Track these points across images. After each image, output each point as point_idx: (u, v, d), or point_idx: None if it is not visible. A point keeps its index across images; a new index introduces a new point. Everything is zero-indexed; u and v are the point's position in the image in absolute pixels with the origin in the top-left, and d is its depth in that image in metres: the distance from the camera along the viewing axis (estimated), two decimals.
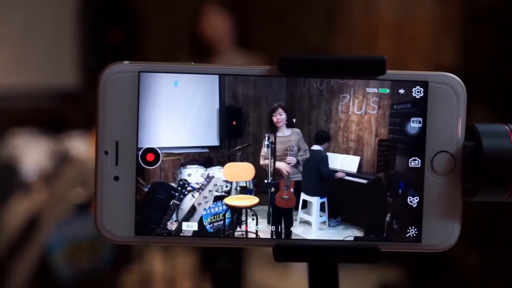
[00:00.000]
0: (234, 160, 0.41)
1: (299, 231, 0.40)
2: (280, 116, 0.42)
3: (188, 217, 0.40)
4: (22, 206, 2.40)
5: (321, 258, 0.40)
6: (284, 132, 0.42)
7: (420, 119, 0.40)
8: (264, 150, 0.41)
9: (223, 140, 0.41)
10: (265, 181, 0.41)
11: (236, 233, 0.40)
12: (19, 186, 2.49)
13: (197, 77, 0.39)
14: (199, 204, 0.40)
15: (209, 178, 0.41)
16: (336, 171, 0.41)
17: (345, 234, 0.40)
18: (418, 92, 0.40)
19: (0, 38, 3.80)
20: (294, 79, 0.39)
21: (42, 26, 3.73)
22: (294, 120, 0.40)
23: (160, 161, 0.40)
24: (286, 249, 0.40)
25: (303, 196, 0.41)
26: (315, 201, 0.41)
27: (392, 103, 0.39)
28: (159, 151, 0.40)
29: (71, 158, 2.49)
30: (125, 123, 0.40)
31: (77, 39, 3.92)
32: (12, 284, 2.25)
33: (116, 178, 0.41)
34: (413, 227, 0.41)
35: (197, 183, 0.41)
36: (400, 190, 0.40)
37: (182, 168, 0.41)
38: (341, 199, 0.41)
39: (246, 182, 0.41)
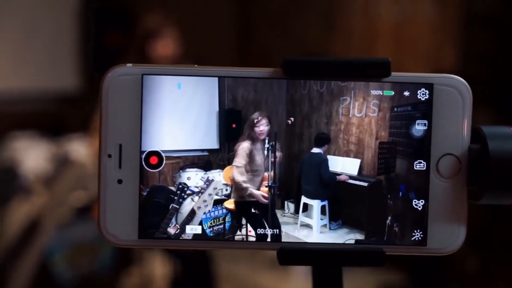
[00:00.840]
0: None
1: (300, 235, 0.40)
2: (264, 128, 0.41)
3: (188, 221, 0.39)
4: (22, 210, 2.40)
5: (326, 262, 0.40)
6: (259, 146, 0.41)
7: (425, 121, 0.40)
8: (241, 162, 0.40)
9: (222, 143, 0.41)
10: (266, 184, 0.41)
11: (236, 237, 0.39)
12: (19, 189, 2.49)
13: (200, 79, 0.39)
14: (199, 207, 0.40)
15: (208, 182, 0.40)
16: (337, 174, 0.41)
17: (346, 237, 0.40)
18: (423, 94, 0.39)
19: (0, 42, 3.81)
20: (294, 82, 0.39)
21: (41, 30, 3.73)
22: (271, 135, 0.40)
23: (163, 164, 0.40)
24: (291, 253, 0.40)
25: (304, 199, 0.41)
26: (315, 204, 0.41)
27: (392, 105, 0.38)
28: (162, 154, 0.40)
29: (71, 161, 2.49)
30: (128, 126, 0.40)
31: (77, 43, 3.92)
32: (13, 287, 2.25)
33: (120, 181, 0.41)
34: (418, 231, 0.40)
35: (197, 187, 0.40)
36: (400, 193, 0.39)
37: (181, 171, 0.41)
38: (341, 202, 0.41)
39: None
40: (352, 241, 0.39)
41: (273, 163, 0.41)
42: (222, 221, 0.40)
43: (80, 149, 2.53)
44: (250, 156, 0.41)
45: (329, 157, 0.40)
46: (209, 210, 0.40)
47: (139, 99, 0.39)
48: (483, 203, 0.40)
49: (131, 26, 4.40)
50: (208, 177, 0.40)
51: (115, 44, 4.22)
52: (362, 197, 0.40)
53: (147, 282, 2.27)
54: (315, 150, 0.41)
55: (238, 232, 0.39)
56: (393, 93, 0.40)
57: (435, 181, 0.40)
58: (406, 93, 0.40)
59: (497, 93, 3.01)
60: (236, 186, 0.40)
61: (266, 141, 0.41)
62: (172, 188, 0.40)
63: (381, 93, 0.40)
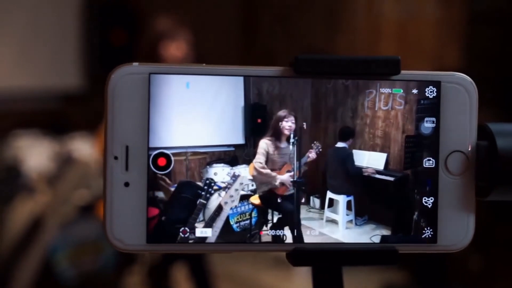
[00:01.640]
0: None
1: (325, 230, 0.40)
2: (292, 125, 0.41)
3: (215, 216, 0.39)
4: (26, 208, 2.40)
5: (339, 261, 0.40)
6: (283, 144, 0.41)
7: (434, 119, 0.40)
8: (261, 159, 0.40)
9: (248, 138, 0.40)
10: (291, 179, 0.41)
11: (263, 232, 0.39)
12: (22, 188, 2.50)
13: (218, 78, 0.38)
14: (226, 203, 0.40)
15: (235, 177, 0.40)
16: (363, 168, 0.41)
17: (372, 233, 0.40)
18: (431, 92, 0.39)
19: (4, 40, 3.81)
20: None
21: (45, 28, 3.73)
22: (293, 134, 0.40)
23: (172, 165, 0.39)
24: (303, 253, 0.39)
25: (329, 195, 0.40)
26: (341, 199, 0.40)
27: (418, 98, 0.38)
28: (171, 156, 0.39)
29: (74, 159, 2.50)
30: (135, 127, 0.39)
31: (81, 41, 3.93)
32: (16, 286, 2.26)
33: (127, 184, 0.40)
34: (428, 228, 0.40)
35: (223, 182, 0.40)
36: (427, 187, 0.39)
37: (208, 167, 0.40)
38: (368, 197, 0.41)
39: None
40: (378, 237, 0.39)
41: (298, 158, 0.40)
42: (249, 216, 0.39)
43: (83, 147, 2.54)
44: (269, 153, 0.41)
45: (354, 151, 0.40)
46: (236, 206, 0.40)
47: (147, 99, 0.39)
48: (491, 200, 0.41)
49: (135, 23, 4.42)
50: (234, 172, 0.40)
51: (119, 42, 4.24)
52: (389, 192, 0.40)
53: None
54: (340, 144, 0.41)
55: (264, 228, 0.39)
56: (402, 91, 0.40)
57: (444, 178, 0.40)
58: (415, 91, 0.40)
59: (501, 91, 3.02)
60: (260, 179, 0.40)
61: (291, 135, 0.41)
62: (199, 183, 0.40)
63: (390, 91, 0.40)
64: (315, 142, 0.40)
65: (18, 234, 2.33)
